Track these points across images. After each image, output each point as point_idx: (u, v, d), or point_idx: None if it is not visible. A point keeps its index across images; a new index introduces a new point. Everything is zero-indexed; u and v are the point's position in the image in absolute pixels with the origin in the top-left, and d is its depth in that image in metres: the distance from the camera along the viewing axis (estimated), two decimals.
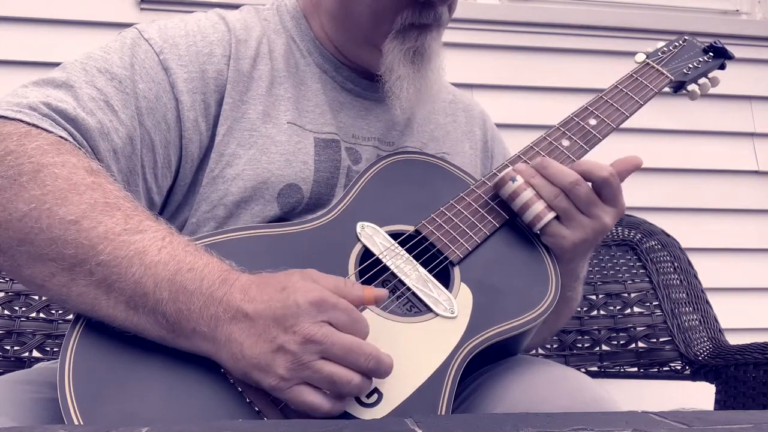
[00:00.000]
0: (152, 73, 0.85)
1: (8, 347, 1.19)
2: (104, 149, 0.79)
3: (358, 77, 1.00)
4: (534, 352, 1.38)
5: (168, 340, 0.68)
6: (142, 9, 1.74)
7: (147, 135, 0.84)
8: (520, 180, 0.85)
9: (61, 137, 0.75)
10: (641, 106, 0.99)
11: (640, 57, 1.08)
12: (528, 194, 0.85)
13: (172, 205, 0.90)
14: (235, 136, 0.89)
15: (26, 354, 1.20)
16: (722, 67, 1.12)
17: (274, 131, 0.90)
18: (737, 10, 2.15)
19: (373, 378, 0.69)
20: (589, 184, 0.85)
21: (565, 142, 0.95)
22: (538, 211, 0.85)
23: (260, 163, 0.88)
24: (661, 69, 1.05)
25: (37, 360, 1.21)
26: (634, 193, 1.83)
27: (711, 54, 1.10)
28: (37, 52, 1.67)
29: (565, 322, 1.10)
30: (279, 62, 0.95)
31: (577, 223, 0.85)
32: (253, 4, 1.03)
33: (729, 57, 1.11)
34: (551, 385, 0.75)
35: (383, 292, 0.71)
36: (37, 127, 0.74)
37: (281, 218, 0.89)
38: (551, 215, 0.85)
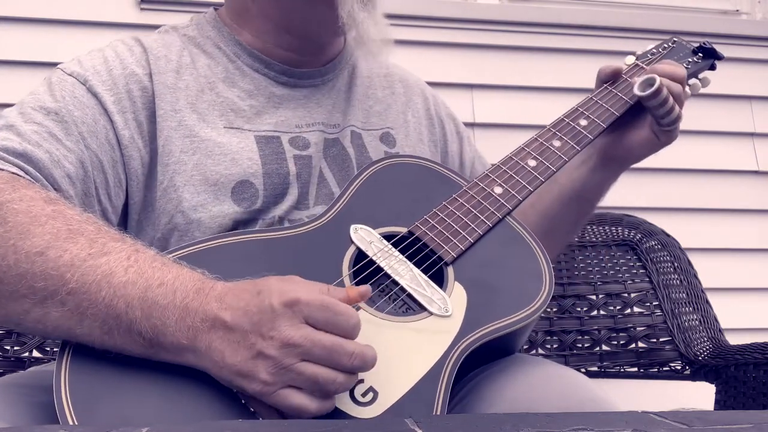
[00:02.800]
0: (84, 101, 0.88)
1: (8, 347, 1.19)
2: (59, 176, 0.81)
3: (291, 68, 1.01)
4: (534, 351, 1.38)
5: (151, 355, 0.68)
6: (142, 9, 1.74)
7: (95, 157, 0.86)
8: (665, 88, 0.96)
9: (13, 173, 0.76)
10: (631, 105, 1.01)
11: (630, 59, 1.10)
12: (672, 100, 0.96)
13: (131, 225, 0.91)
14: (177, 144, 0.90)
15: (26, 354, 1.20)
16: (713, 67, 1.13)
17: (213, 134, 0.92)
18: (737, 10, 2.15)
19: (370, 375, 0.69)
20: None
21: (556, 143, 0.97)
22: (678, 113, 0.97)
23: (207, 167, 0.90)
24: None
25: (38, 360, 1.21)
26: (635, 193, 1.84)
27: (701, 55, 1.12)
28: (37, 52, 1.67)
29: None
30: (205, 70, 0.97)
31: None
32: (173, 24, 1.05)
33: (718, 57, 1.12)
34: (547, 384, 0.75)
35: (366, 288, 0.71)
36: None
37: (246, 218, 0.89)
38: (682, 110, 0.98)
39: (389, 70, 1.14)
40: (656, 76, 0.96)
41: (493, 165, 0.95)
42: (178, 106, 0.92)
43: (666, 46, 1.12)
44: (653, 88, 0.95)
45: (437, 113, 1.14)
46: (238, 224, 0.90)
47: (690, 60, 1.10)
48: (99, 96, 0.89)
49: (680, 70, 1.00)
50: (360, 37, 0.96)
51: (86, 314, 0.67)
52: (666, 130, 0.99)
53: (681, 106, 0.99)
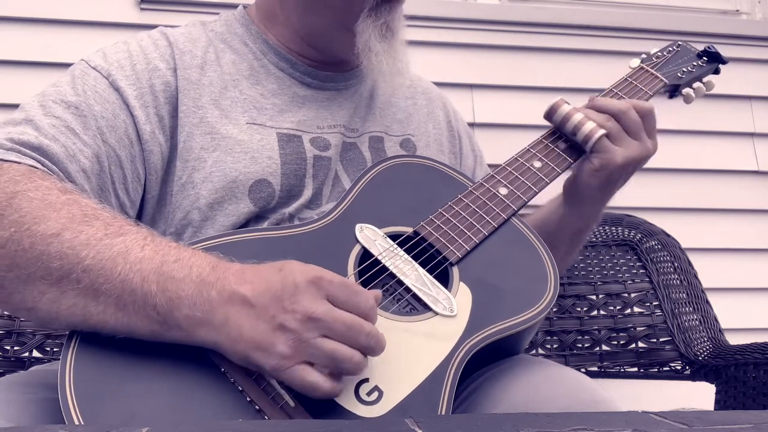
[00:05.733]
0: (105, 95, 0.89)
1: (8, 347, 1.19)
2: (74, 170, 0.82)
3: (317, 70, 1.02)
4: (534, 351, 1.38)
5: (162, 333, 0.68)
6: (142, 9, 1.74)
7: (113, 152, 0.87)
8: (570, 105, 0.96)
9: (30, 166, 0.77)
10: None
11: (635, 62, 1.10)
12: (579, 116, 0.95)
13: (145, 219, 0.92)
14: (197, 140, 0.90)
15: (26, 354, 1.20)
16: (717, 71, 1.13)
17: (235, 131, 0.92)
18: (737, 10, 2.15)
19: (375, 375, 0.69)
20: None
21: (561, 145, 0.98)
22: (591, 128, 0.93)
23: (226, 164, 0.90)
24: (655, 73, 1.06)
25: (38, 360, 1.21)
26: (634, 193, 1.83)
27: (705, 58, 1.12)
28: (37, 52, 1.67)
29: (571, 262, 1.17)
30: (229, 67, 0.97)
31: (626, 143, 0.93)
32: (201, 18, 1.05)
33: (723, 61, 1.12)
34: (550, 385, 0.75)
35: (377, 293, 0.72)
36: (5, 161, 0.76)
37: (257, 214, 0.90)
38: (602, 132, 0.93)
39: (412, 82, 1.15)
40: (561, 99, 0.98)
41: (498, 166, 0.96)
42: (201, 102, 0.93)
43: (670, 50, 1.13)
44: (547, 108, 0.98)
45: (457, 128, 1.16)
46: (250, 222, 0.90)
47: (694, 63, 1.10)
48: (121, 90, 0.89)
49: (612, 104, 0.94)
50: (372, 66, 0.96)
51: (101, 290, 0.68)
52: (591, 153, 0.94)
53: (618, 136, 0.93)
